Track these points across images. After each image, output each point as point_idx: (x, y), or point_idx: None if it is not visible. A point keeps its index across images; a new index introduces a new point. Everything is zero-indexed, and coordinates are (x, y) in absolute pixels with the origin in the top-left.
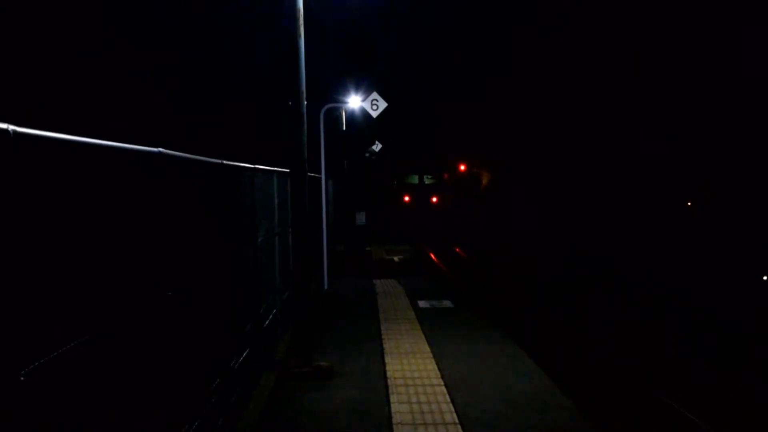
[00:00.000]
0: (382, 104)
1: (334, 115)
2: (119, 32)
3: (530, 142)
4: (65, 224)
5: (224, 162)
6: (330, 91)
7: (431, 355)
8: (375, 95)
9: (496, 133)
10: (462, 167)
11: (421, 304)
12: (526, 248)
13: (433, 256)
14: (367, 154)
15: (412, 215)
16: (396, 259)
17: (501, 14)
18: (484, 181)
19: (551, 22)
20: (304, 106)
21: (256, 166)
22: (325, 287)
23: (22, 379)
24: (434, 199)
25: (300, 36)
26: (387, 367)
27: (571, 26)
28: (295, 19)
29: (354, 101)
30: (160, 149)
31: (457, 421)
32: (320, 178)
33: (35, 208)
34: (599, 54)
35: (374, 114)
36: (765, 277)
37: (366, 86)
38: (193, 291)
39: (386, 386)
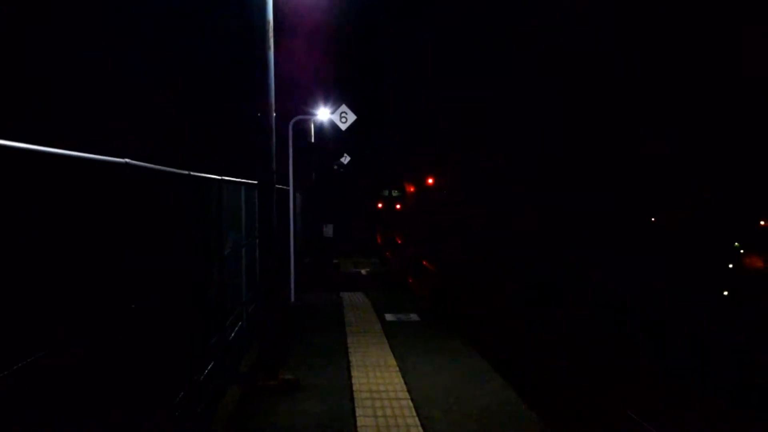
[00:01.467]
0: (351, 117)
1: (303, 127)
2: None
3: (529, 143)
4: (24, 234)
5: (191, 173)
6: (301, 102)
7: (397, 369)
8: (344, 108)
9: (497, 134)
10: (428, 180)
11: (388, 317)
12: (489, 255)
13: (399, 267)
14: (335, 167)
15: (379, 226)
16: (363, 271)
17: (501, 14)
18: (442, 193)
19: (551, 22)
20: (273, 117)
21: (223, 177)
22: (292, 300)
23: None
24: (398, 206)
25: (269, 48)
26: (353, 381)
27: (571, 26)
28: (265, 31)
29: (323, 113)
30: (127, 160)
31: None
32: (288, 190)
33: None
34: (599, 54)
35: (343, 127)
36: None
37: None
38: (156, 303)
39: (352, 400)
